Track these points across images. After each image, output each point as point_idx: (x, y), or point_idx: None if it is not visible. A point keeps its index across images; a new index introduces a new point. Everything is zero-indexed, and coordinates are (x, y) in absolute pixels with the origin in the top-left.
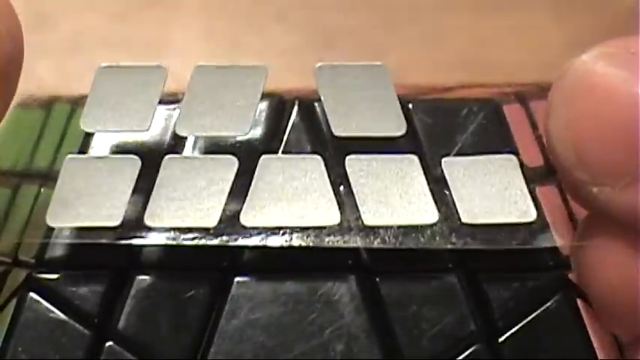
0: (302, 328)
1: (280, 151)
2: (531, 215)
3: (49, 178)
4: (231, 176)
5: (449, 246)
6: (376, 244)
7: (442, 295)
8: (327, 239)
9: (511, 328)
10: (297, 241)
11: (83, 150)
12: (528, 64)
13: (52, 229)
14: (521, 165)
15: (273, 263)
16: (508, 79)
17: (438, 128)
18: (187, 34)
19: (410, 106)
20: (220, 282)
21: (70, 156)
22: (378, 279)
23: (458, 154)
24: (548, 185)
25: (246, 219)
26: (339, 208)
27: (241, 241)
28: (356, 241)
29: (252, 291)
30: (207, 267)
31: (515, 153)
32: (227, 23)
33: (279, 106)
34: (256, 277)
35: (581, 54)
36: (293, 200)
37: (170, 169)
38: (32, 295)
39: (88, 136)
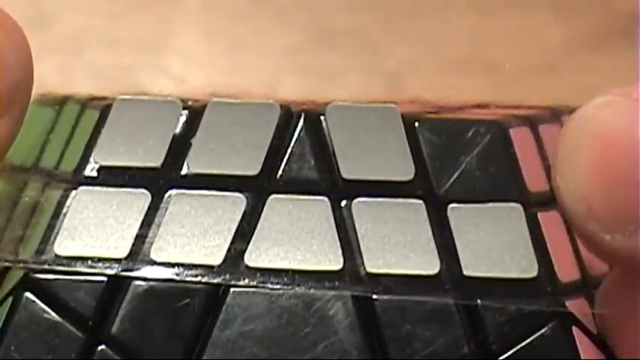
0: (295, 342)
1: (283, 164)
2: (533, 271)
3: (53, 178)
4: (239, 215)
5: (450, 300)
6: (376, 294)
7: (437, 315)
8: (328, 285)
9: (505, 353)
10: (298, 285)
11: (87, 152)
12: (528, 64)
13: (52, 230)
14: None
15: (270, 276)
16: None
17: (442, 148)
18: (187, 34)
19: (416, 124)
20: (216, 291)
21: (81, 187)
22: (374, 296)
23: (461, 175)
24: (551, 211)
25: (251, 259)
26: (343, 252)
27: (243, 282)
28: (357, 290)
29: (247, 302)
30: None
31: (519, 177)
32: (227, 23)
33: (285, 117)
34: (252, 288)
35: (586, 103)
36: (298, 243)
37: (179, 204)
38: (28, 294)
39: (94, 139)
